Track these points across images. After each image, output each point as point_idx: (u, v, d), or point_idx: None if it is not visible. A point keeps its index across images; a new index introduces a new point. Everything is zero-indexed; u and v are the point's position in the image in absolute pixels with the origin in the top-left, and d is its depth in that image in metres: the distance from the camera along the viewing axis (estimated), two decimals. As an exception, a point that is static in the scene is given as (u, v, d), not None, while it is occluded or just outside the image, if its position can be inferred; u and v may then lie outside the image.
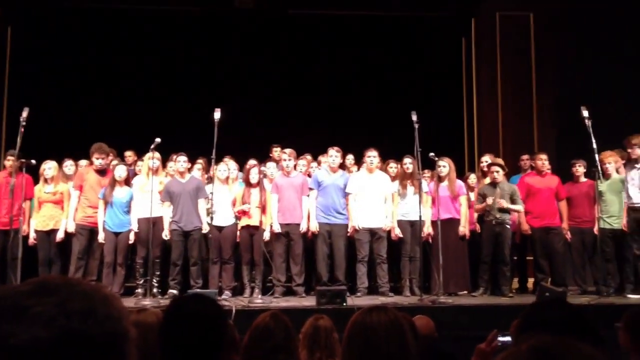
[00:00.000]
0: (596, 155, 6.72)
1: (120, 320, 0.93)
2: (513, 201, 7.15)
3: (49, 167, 7.14)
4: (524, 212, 7.38)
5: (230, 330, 3.01)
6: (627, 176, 7.00)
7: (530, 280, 7.78)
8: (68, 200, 7.14)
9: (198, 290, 6.57)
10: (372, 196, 7.15)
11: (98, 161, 7.22)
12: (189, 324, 2.06)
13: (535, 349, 1.01)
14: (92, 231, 7.10)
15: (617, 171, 7.24)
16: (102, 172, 7.28)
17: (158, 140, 6.57)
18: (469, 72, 10.76)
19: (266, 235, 7.10)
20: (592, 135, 6.61)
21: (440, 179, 7.21)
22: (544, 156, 7.59)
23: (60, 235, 7.05)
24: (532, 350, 1.01)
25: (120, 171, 7.10)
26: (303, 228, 7.09)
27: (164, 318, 2.19)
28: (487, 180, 7.47)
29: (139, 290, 6.99)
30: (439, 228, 6.77)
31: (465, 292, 7.19)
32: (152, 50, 10.27)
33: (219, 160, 7.21)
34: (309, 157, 8.26)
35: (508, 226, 7.18)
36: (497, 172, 7.20)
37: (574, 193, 7.50)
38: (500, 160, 7.62)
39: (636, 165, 6.95)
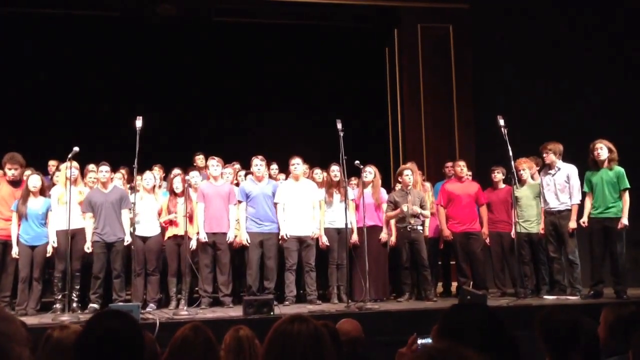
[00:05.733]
0: (512, 162, 6.99)
1: (8, 338, 0.92)
2: (422, 208, 7.34)
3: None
4: (444, 218, 7.59)
5: (150, 345, 2.93)
6: (543, 182, 7.32)
7: (454, 284, 7.98)
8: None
9: (120, 303, 6.35)
10: (300, 204, 7.16)
11: (10, 172, 6.89)
12: (104, 343, 2.00)
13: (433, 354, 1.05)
14: (5, 244, 6.76)
15: (532, 177, 7.56)
16: (15, 183, 6.95)
17: (76, 149, 6.32)
18: (393, 81, 10.98)
19: (193, 245, 6.96)
20: (508, 143, 6.88)
21: (364, 185, 7.29)
22: (462, 163, 7.84)
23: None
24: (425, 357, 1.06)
25: (34, 181, 6.77)
26: (230, 237, 7.00)
27: (79, 336, 2.10)
28: (399, 186, 7.59)
29: (57, 306, 6.68)
30: (365, 235, 6.85)
31: (391, 297, 7.31)
32: (72, 56, 9.92)
33: (143, 169, 7.03)
34: (236, 165, 8.18)
35: (421, 231, 7.35)
36: (407, 175, 7.36)
37: (493, 199, 7.77)
38: (411, 166, 7.75)
39: (550, 172, 7.28)
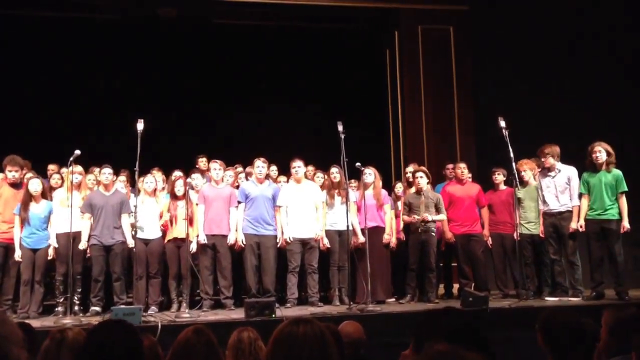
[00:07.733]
0: (513, 164, 6.99)
1: (6, 340, 0.94)
2: (437, 209, 7.33)
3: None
4: (446, 220, 7.58)
5: (152, 348, 2.94)
6: (542, 183, 7.31)
7: (456, 286, 7.97)
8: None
9: (122, 306, 6.33)
10: (303, 206, 7.15)
11: (11, 174, 6.90)
12: (104, 353, 2.05)
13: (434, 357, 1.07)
14: (7, 248, 6.77)
15: (535, 178, 7.56)
16: (16, 185, 6.96)
17: (77, 152, 6.32)
18: (394, 83, 10.98)
19: (193, 247, 6.96)
20: (509, 144, 6.88)
21: (365, 187, 7.28)
22: (463, 165, 7.84)
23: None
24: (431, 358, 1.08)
25: (35, 185, 6.78)
26: (230, 240, 7.00)
27: (84, 346, 2.15)
28: (413, 189, 7.60)
29: (59, 309, 6.69)
30: (366, 236, 6.84)
31: (393, 299, 7.30)
32: (72, 59, 9.93)
33: (144, 172, 7.03)
34: (239, 168, 8.18)
35: (433, 234, 7.34)
36: (421, 177, 7.36)
37: (494, 200, 7.76)
38: (423, 168, 7.78)
39: (550, 174, 7.27)
